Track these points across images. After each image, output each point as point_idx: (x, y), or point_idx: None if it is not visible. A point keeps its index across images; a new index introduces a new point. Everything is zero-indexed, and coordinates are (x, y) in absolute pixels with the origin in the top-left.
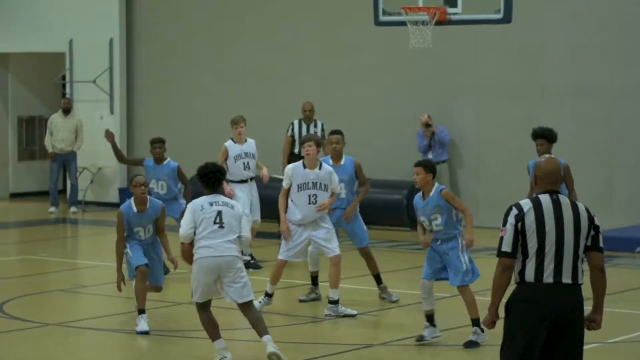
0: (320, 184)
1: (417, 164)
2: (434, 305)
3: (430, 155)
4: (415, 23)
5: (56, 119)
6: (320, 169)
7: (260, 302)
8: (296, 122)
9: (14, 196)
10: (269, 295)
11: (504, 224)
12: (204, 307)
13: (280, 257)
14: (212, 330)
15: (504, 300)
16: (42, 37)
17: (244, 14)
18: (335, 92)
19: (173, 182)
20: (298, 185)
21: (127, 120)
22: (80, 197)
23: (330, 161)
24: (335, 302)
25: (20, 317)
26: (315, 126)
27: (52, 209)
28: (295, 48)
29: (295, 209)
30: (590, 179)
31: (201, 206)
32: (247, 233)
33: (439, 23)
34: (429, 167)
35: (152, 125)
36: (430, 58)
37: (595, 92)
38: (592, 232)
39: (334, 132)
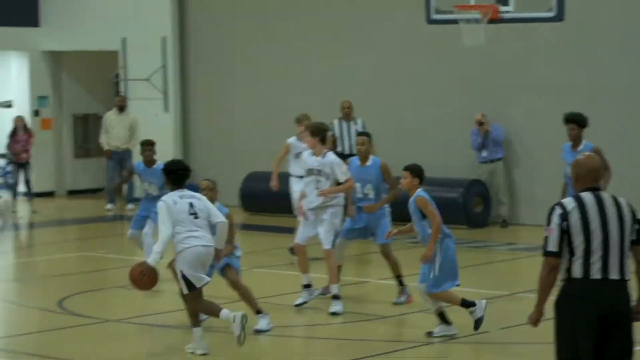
0: (321, 171)
1: (405, 168)
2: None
3: (484, 154)
4: (468, 21)
5: (111, 117)
6: (323, 157)
7: (302, 297)
8: (336, 122)
9: (72, 193)
10: (307, 286)
11: (549, 224)
12: (199, 295)
13: (295, 241)
14: (213, 307)
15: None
16: (96, 36)
17: (299, 8)
18: (390, 91)
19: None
20: (306, 170)
21: (182, 118)
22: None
23: (358, 162)
24: (336, 298)
25: (79, 313)
26: (355, 123)
27: (109, 206)
28: (350, 45)
29: (309, 195)
30: None
31: (173, 201)
32: (221, 218)
33: (491, 21)
34: (416, 172)
35: (207, 122)
36: (484, 56)
37: None
38: (637, 226)
39: (360, 134)
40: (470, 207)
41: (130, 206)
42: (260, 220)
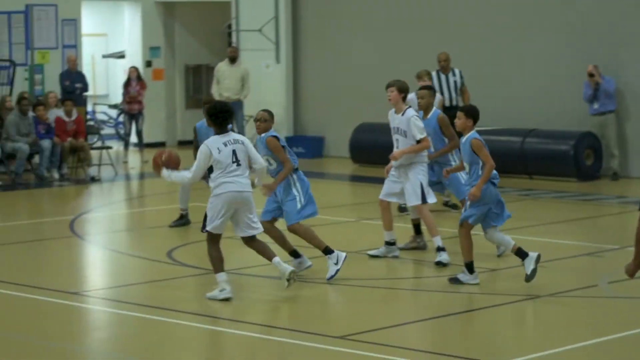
0: (400, 129)
1: (460, 109)
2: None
3: (595, 106)
4: None
5: (222, 68)
6: (402, 114)
7: (378, 251)
8: (434, 74)
9: (182, 143)
10: (389, 244)
11: None
12: (216, 241)
13: (379, 197)
14: (219, 264)
15: None
16: None
17: None
18: (504, 43)
19: None
20: (392, 128)
21: (292, 69)
22: None
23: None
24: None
25: (188, 263)
26: (454, 75)
27: None
28: None
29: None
30: None
31: (217, 149)
32: (260, 163)
33: None
34: (470, 112)
35: (318, 73)
36: (597, 7)
37: None
38: None
39: (422, 88)
40: (581, 159)
41: None
42: (369, 172)
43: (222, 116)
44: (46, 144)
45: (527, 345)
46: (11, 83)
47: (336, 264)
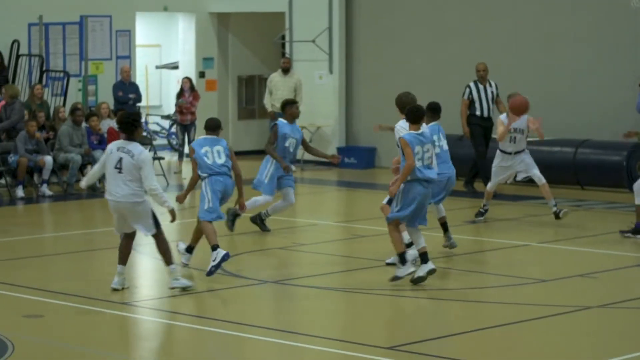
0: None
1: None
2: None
3: None
4: None
5: (275, 78)
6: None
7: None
8: (472, 85)
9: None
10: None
11: None
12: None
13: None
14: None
15: None
16: None
17: None
18: (556, 53)
19: None
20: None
21: (345, 80)
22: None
23: None
24: None
25: (238, 274)
26: (490, 86)
27: None
28: (514, 7)
29: None
30: None
31: (110, 150)
32: (147, 185)
33: None
34: (403, 111)
35: (371, 84)
36: None
37: None
38: None
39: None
40: (633, 170)
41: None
42: None
43: (129, 124)
44: (99, 154)
45: (580, 356)
46: (65, 94)
47: (214, 260)
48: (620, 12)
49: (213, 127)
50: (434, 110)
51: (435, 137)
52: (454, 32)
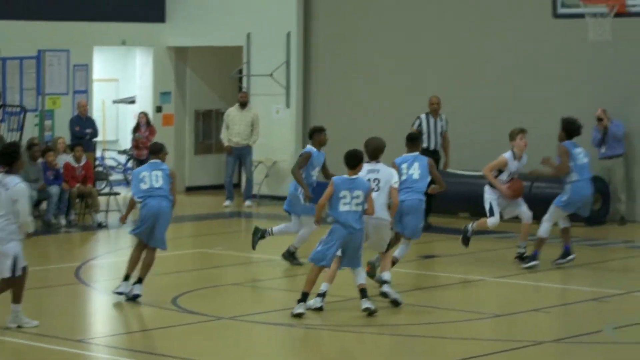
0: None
1: None
2: None
3: (603, 150)
4: (594, 15)
5: (232, 113)
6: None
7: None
8: (423, 116)
9: (190, 190)
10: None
11: None
12: None
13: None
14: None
15: None
16: (221, 31)
17: (422, 6)
18: (514, 85)
19: None
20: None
21: (303, 114)
22: (255, 190)
23: None
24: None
25: (193, 310)
26: (441, 120)
27: (227, 202)
28: (474, 40)
29: None
30: None
31: None
32: (20, 220)
33: (618, 15)
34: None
35: (328, 118)
36: (608, 51)
37: None
38: None
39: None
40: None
41: (247, 202)
42: None
43: (8, 156)
44: (54, 190)
45: None
46: (21, 129)
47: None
48: (579, 45)
49: (154, 150)
50: (412, 140)
51: (404, 166)
52: (411, 66)
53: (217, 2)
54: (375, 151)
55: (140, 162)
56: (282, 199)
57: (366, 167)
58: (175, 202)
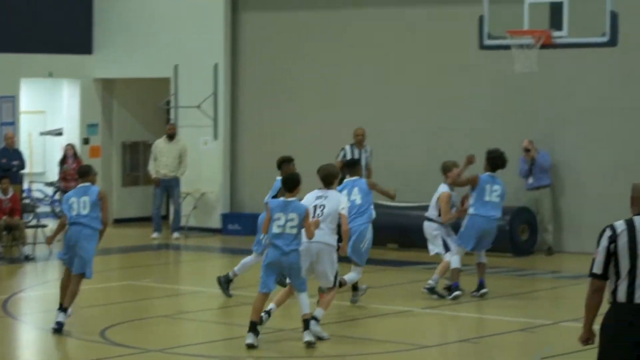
0: None
1: None
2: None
3: (530, 180)
4: (521, 47)
5: (160, 145)
6: None
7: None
8: (348, 148)
9: (118, 222)
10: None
11: (598, 246)
12: None
13: None
14: None
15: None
16: (148, 63)
17: (349, 39)
18: (441, 116)
19: None
20: None
21: (230, 146)
22: (183, 222)
23: None
24: None
25: (122, 343)
26: (366, 151)
27: (155, 234)
28: (401, 73)
29: None
30: None
31: None
32: None
33: (544, 47)
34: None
35: (256, 150)
36: (535, 82)
37: None
38: None
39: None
40: (516, 234)
41: (176, 235)
42: None
43: None
44: None
45: None
46: None
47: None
48: (506, 76)
49: (82, 173)
50: (352, 166)
51: (344, 193)
52: (339, 98)
53: (144, 34)
54: (325, 177)
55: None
56: (210, 230)
57: (316, 192)
58: (106, 224)
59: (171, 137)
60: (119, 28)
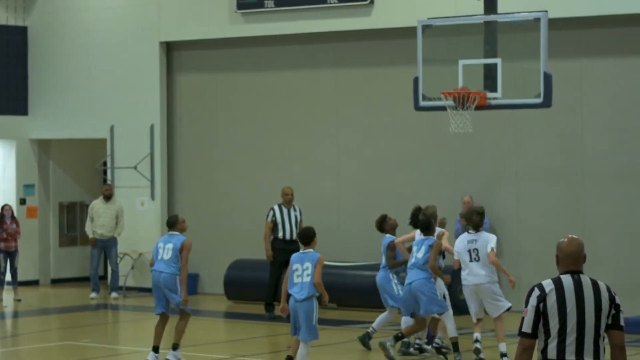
0: None
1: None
2: None
3: None
4: (455, 108)
5: (97, 205)
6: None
7: None
8: (276, 207)
9: (55, 282)
10: None
11: (526, 305)
12: None
13: None
14: None
15: None
16: (84, 124)
17: (285, 100)
18: (376, 177)
19: None
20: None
21: (167, 206)
22: (121, 282)
23: None
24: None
25: None
26: (295, 210)
27: (93, 294)
28: (336, 134)
29: None
30: (628, 264)
31: None
32: None
33: (479, 108)
34: None
35: (192, 210)
36: (470, 143)
37: (638, 176)
38: (613, 311)
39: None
40: (456, 295)
41: (114, 295)
42: (244, 308)
43: None
44: None
45: None
46: None
47: None
48: (441, 137)
49: (170, 224)
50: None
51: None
52: (275, 159)
53: (80, 95)
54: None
55: (7, 254)
56: (148, 290)
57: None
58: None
59: (108, 197)
60: (54, 89)
